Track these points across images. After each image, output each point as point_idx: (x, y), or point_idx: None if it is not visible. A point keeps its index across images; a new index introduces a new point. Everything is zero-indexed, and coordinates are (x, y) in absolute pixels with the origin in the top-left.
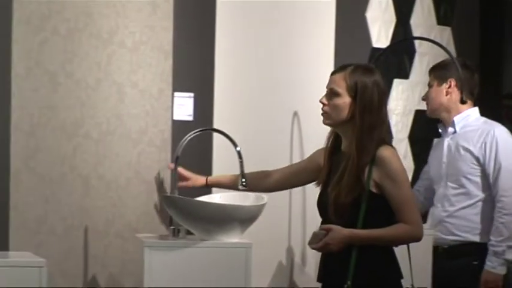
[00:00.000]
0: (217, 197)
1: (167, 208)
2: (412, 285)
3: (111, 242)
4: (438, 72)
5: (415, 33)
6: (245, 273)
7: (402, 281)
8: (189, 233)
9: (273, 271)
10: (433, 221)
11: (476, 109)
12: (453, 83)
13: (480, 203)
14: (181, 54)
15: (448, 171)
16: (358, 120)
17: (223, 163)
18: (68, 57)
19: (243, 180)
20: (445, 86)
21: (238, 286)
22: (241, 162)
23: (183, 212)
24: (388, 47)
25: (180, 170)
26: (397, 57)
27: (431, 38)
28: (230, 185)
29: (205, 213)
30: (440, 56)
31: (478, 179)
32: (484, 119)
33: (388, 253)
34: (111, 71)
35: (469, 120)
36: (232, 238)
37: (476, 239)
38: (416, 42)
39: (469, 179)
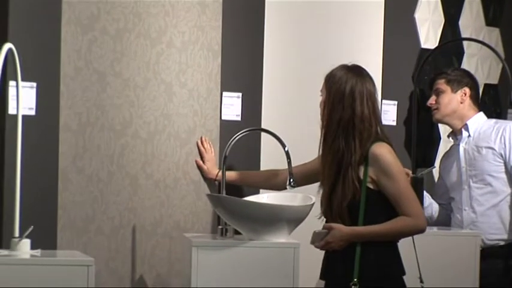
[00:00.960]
0: (265, 197)
1: (214, 207)
2: (420, 277)
3: (159, 242)
4: (453, 79)
5: (464, 34)
6: (293, 273)
7: (410, 275)
8: (236, 232)
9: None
10: (465, 224)
11: (482, 113)
12: (468, 91)
13: (508, 198)
14: (229, 54)
15: (470, 173)
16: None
17: (271, 163)
18: (117, 57)
19: (291, 180)
20: (460, 93)
21: (286, 286)
22: (289, 162)
23: (230, 211)
24: (436, 48)
25: (198, 161)
26: (446, 58)
27: (480, 39)
28: (237, 181)
29: (252, 213)
30: (489, 57)
31: (503, 175)
32: (493, 119)
33: (390, 249)
34: (159, 71)
35: (480, 122)
36: (280, 238)
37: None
38: (465, 43)
39: (494, 176)
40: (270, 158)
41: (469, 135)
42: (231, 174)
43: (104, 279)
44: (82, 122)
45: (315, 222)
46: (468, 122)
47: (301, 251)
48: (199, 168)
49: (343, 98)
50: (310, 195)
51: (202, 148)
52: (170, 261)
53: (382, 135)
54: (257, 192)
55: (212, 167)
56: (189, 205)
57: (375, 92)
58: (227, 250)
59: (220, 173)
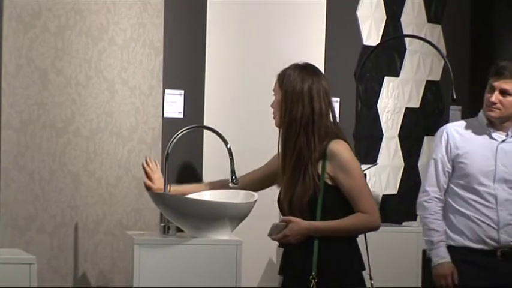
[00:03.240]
0: (207, 194)
1: (157, 205)
2: (370, 274)
3: (101, 240)
4: None
5: (406, 31)
6: (235, 271)
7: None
8: (179, 230)
9: (263, 268)
10: (501, 224)
11: None
12: None
13: None
14: (172, 52)
15: (505, 176)
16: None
17: (213, 160)
18: (58, 55)
19: (234, 177)
20: None
21: (228, 283)
22: (231, 160)
23: (173, 209)
24: (378, 45)
25: (147, 183)
26: (388, 55)
27: (422, 35)
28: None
29: (195, 210)
30: (431, 53)
31: None
32: None
33: (350, 244)
34: (101, 68)
35: None
36: (223, 236)
37: None
38: (407, 40)
39: None
40: (213, 155)
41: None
42: (185, 189)
43: (46, 277)
44: (23, 120)
45: (257, 219)
46: None
47: (243, 248)
48: (148, 188)
49: (302, 96)
50: (253, 192)
51: (148, 169)
52: (113, 259)
53: (339, 132)
54: None
55: (161, 185)
56: (132, 203)
57: (329, 88)
58: (170, 248)
59: (173, 187)
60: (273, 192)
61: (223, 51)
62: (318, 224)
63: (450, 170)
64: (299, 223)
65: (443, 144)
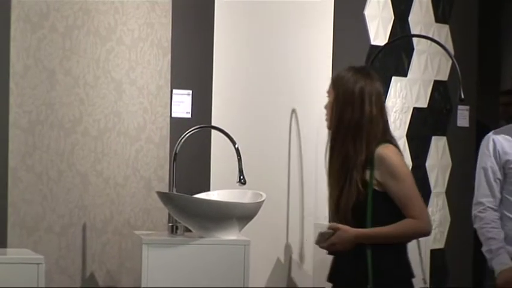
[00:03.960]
0: (215, 194)
1: (165, 205)
2: (424, 279)
3: (109, 239)
4: None
5: (413, 31)
6: (243, 271)
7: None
8: (187, 230)
9: (271, 268)
10: None
11: None
12: None
13: None
14: (179, 51)
15: None
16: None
17: (221, 160)
18: (66, 55)
19: (241, 177)
20: None
21: (236, 283)
22: (239, 159)
23: (180, 209)
24: (386, 45)
25: None
26: (395, 55)
27: (430, 35)
28: None
29: (202, 210)
30: (438, 53)
31: None
32: None
33: (400, 252)
34: (109, 68)
35: None
36: (230, 235)
37: None
38: (415, 40)
39: None
40: (221, 155)
41: None
42: None
43: (54, 277)
44: (32, 120)
45: (265, 219)
46: None
47: (251, 248)
48: None
49: (353, 99)
50: (261, 192)
51: None
52: (121, 259)
53: (389, 136)
54: (208, 189)
55: None
56: (140, 202)
57: (382, 92)
58: (177, 247)
59: None
60: (280, 191)
61: (231, 51)
62: (367, 231)
63: (501, 178)
64: (347, 230)
65: (491, 152)
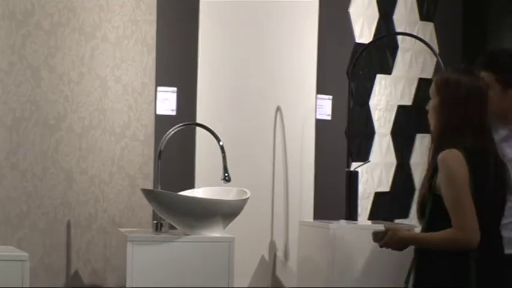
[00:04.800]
0: (200, 191)
1: (149, 202)
2: None
3: (94, 237)
4: None
5: (398, 29)
6: (228, 268)
7: None
8: (171, 227)
9: (256, 266)
10: None
11: None
12: None
13: None
14: (164, 49)
15: None
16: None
17: (206, 157)
18: (51, 52)
19: (226, 174)
20: None
21: (220, 280)
22: (224, 157)
23: (165, 206)
24: (370, 43)
25: None
26: (380, 53)
27: (414, 33)
28: None
29: (187, 207)
30: (423, 51)
31: None
32: None
33: (445, 260)
34: (94, 66)
35: None
36: (215, 233)
37: None
38: (399, 38)
39: None
40: (205, 152)
41: None
42: None
43: (38, 274)
44: (16, 117)
45: (249, 216)
46: None
47: (236, 245)
48: None
49: (460, 101)
50: (245, 189)
51: None
52: (105, 256)
53: (471, 141)
54: (192, 187)
55: None
56: (124, 200)
57: (487, 93)
58: (162, 245)
59: None
60: (265, 189)
61: (216, 48)
62: (412, 234)
63: None
64: (395, 232)
65: None
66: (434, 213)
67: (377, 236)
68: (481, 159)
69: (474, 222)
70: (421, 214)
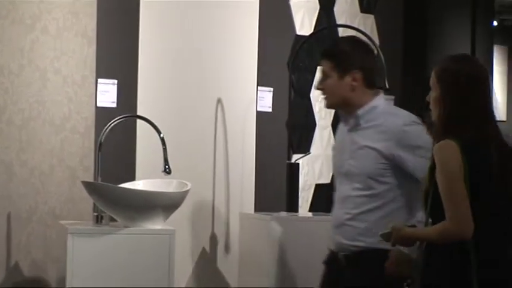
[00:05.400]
0: (140, 184)
1: (90, 194)
2: None
3: (34, 229)
4: None
5: (339, 21)
6: (168, 260)
7: None
8: (112, 219)
9: (197, 258)
10: None
11: None
12: None
13: None
14: (105, 41)
15: None
16: None
17: (146, 150)
18: None
19: (166, 166)
20: None
21: (161, 272)
22: (164, 149)
23: (105, 198)
24: (311, 35)
25: None
26: (321, 45)
27: (355, 25)
28: None
29: (127, 199)
30: None
31: None
32: None
33: (445, 255)
34: (34, 57)
35: None
36: (156, 225)
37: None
38: (340, 30)
39: None
40: (146, 144)
41: None
42: None
43: None
44: None
45: (190, 208)
46: None
47: (177, 237)
48: None
49: (461, 89)
50: (186, 181)
51: None
52: (46, 249)
53: (474, 131)
54: (133, 179)
55: None
56: (65, 192)
57: (489, 79)
58: (103, 237)
59: None
60: (206, 181)
61: (157, 40)
62: (412, 230)
63: None
64: (399, 231)
65: None
66: (435, 205)
67: (385, 237)
68: (482, 149)
69: (466, 213)
70: (425, 206)
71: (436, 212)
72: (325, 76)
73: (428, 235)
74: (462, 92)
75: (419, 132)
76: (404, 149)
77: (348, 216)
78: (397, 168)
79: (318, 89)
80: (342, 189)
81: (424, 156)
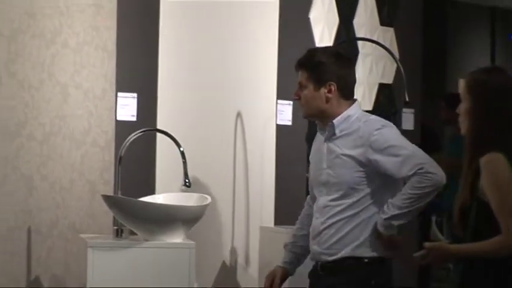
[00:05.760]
0: (160, 198)
1: (110, 208)
2: None
3: (55, 243)
4: None
5: (358, 34)
6: (188, 274)
7: None
8: (132, 233)
9: (216, 271)
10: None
11: None
12: None
13: None
14: (124, 55)
15: None
16: None
17: (166, 163)
18: (11, 58)
19: (186, 180)
20: None
21: (181, 286)
22: (184, 163)
23: (125, 212)
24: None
25: None
26: None
27: (374, 38)
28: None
29: (147, 213)
30: (383, 57)
31: None
32: None
33: (488, 269)
34: (54, 72)
35: None
36: (175, 239)
37: None
38: (360, 43)
39: None
40: (166, 158)
41: None
42: None
43: None
44: None
45: (210, 222)
46: None
47: (196, 251)
48: None
49: (495, 101)
50: (206, 195)
51: None
52: (66, 263)
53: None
54: (153, 193)
55: None
56: (85, 206)
57: None
58: (123, 251)
59: None
60: (226, 194)
61: (176, 54)
62: (461, 247)
63: None
64: (443, 249)
65: None
66: (480, 220)
67: (421, 258)
68: None
69: None
70: (461, 222)
71: (481, 229)
72: (301, 86)
73: (481, 250)
74: (493, 103)
75: (388, 133)
76: (378, 153)
77: (324, 225)
78: (374, 174)
79: (294, 99)
80: (321, 199)
81: (395, 155)
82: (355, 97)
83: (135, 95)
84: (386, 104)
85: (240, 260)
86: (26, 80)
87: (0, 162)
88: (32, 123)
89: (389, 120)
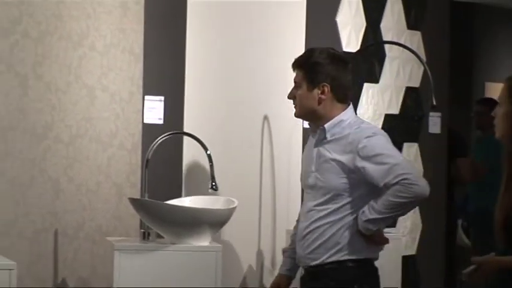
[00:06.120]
0: (187, 201)
1: (136, 211)
2: None
3: (81, 245)
4: None
5: (385, 38)
6: (215, 277)
7: None
8: (159, 236)
9: (243, 274)
10: None
11: None
12: None
13: None
14: (151, 57)
15: None
16: None
17: (193, 166)
18: (38, 60)
19: (213, 183)
20: None
21: None
22: (211, 166)
23: (152, 215)
24: (358, 51)
25: None
26: (367, 62)
27: (402, 42)
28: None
29: (174, 216)
30: (410, 60)
31: None
32: None
33: None
34: (81, 74)
35: None
36: (202, 242)
37: None
38: (387, 47)
39: None
40: (193, 161)
41: None
42: None
43: (26, 283)
44: (3, 126)
45: (237, 225)
46: None
47: (223, 254)
48: None
49: None
50: (233, 198)
51: None
52: (92, 265)
53: None
54: (180, 196)
55: None
56: (111, 209)
57: None
58: (149, 253)
59: None
60: (252, 198)
61: (203, 57)
62: (509, 259)
63: None
64: (495, 263)
65: None
66: None
67: (470, 275)
68: None
69: None
70: (505, 236)
71: None
72: (296, 85)
73: None
74: None
75: (377, 142)
76: (366, 160)
77: (307, 230)
78: (360, 182)
79: (288, 97)
80: (307, 203)
81: (381, 163)
82: (360, 99)
83: (162, 98)
84: (413, 108)
85: (267, 263)
86: (53, 82)
87: (27, 165)
88: (59, 126)
89: (416, 124)
